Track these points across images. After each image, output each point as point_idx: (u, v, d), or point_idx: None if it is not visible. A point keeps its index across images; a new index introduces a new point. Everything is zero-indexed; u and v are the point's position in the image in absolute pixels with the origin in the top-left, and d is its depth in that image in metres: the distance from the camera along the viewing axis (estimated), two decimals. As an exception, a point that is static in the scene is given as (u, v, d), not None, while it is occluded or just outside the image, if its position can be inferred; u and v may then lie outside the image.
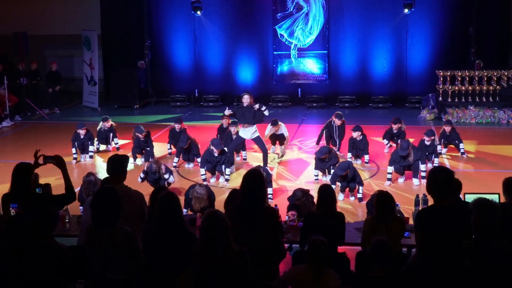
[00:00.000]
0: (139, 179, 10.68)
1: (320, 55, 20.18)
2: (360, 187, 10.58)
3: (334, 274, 5.19)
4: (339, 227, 6.66)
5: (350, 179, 10.56)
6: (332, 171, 11.14)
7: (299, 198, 8.57)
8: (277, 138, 13.63)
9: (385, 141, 13.83)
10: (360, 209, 10.15)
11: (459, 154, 13.30)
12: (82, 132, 13.21)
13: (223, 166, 11.63)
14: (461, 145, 13.31)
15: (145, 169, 10.76)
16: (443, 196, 5.06)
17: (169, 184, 10.62)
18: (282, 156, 13.59)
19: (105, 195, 5.21)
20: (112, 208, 5.13)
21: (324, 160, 11.38)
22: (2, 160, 13.28)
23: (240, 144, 12.89)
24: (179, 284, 4.73)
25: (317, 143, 14.03)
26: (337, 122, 13.46)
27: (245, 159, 13.27)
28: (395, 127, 13.54)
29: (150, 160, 11.42)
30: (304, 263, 5.29)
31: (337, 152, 13.24)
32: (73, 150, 13.23)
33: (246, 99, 11.98)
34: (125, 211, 5.30)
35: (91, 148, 13.39)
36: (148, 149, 13.06)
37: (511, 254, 4.74)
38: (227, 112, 12.30)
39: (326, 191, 6.78)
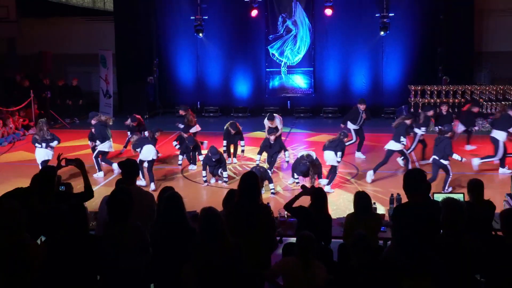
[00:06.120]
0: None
1: (307, 72, 20.21)
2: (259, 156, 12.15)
3: (320, 265, 5.16)
4: (327, 229, 6.66)
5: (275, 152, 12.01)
6: (316, 181, 10.93)
7: (310, 161, 10.47)
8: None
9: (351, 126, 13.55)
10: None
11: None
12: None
13: (220, 170, 11.60)
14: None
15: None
16: (416, 193, 5.29)
17: None
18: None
19: (120, 194, 5.17)
20: (125, 206, 5.09)
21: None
22: (28, 163, 13.24)
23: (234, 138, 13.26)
24: (183, 275, 4.70)
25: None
26: (361, 107, 13.41)
27: (243, 151, 13.42)
28: (361, 107, 13.45)
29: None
30: (293, 255, 5.27)
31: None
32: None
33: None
34: (137, 209, 5.27)
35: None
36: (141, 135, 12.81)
37: (475, 246, 4.80)
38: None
39: (319, 195, 6.78)
